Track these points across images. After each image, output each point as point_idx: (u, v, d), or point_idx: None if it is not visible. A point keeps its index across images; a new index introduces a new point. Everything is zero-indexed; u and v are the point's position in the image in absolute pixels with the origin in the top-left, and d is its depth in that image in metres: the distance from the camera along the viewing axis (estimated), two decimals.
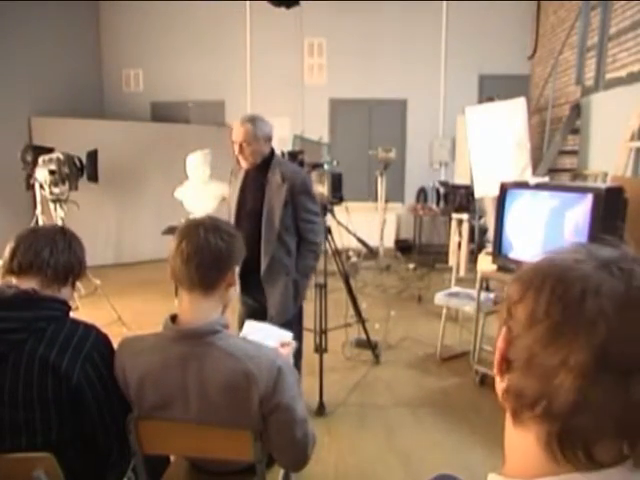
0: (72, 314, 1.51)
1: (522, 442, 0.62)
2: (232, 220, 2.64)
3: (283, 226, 2.57)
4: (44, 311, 1.40)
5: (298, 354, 2.53)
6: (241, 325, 2.77)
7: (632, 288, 0.54)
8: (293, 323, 2.60)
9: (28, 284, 1.42)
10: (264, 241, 2.56)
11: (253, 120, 2.57)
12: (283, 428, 1.37)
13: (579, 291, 0.55)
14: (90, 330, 1.44)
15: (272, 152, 2.66)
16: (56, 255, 1.46)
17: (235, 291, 1.49)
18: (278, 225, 2.55)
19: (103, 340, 1.46)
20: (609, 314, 0.53)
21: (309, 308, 3.36)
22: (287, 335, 1.84)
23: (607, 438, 0.55)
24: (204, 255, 1.33)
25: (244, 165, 2.62)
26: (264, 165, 2.60)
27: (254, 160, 2.58)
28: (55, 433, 1.36)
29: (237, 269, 1.44)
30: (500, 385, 0.64)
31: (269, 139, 2.61)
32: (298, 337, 2.56)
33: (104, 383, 1.40)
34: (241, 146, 2.55)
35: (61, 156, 4.54)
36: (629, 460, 0.57)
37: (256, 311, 2.68)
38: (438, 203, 5.39)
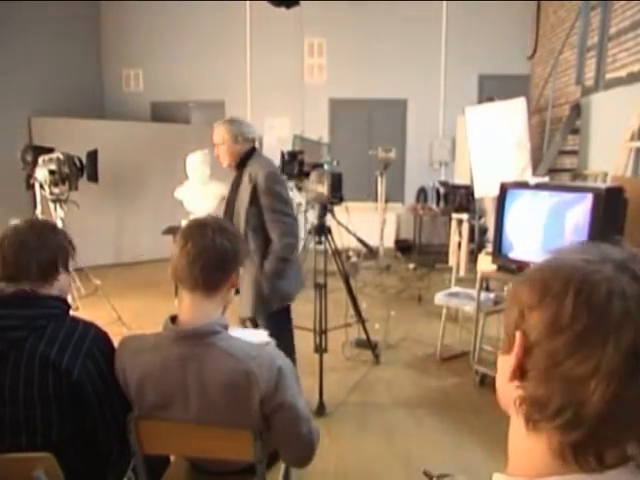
0: (73, 314, 1.51)
1: (529, 445, 0.61)
2: None
3: (249, 226, 2.59)
4: (44, 309, 1.40)
5: (289, 353, 2.56)
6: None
7: None
8: (278, 321, 2.66)
9: (24, 287, 1.42)
10: None
11: (227, 121, 2.68)
12: (288, 426, 1.38)
13: (605, 294, 0.53)
14: (90, 327, 1.45)
15: (251, 152, 2.68)
16: (34, 257, 1.42)
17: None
18: (243, 226, 2.58)
19: (103, 337, 1.46)
20: (634, 315, 0.52)
21: (309, 308, 3.36)
22: (262, 334, 1.83)
23: (624, 443, 0.54)
24: (210, 256, 1.33)
25: (223, 165, 2.72)
26: (243, 165, 2.66)
27: (229, 160, 2.66)
28: (55, 431, 1.36)
29: (241, 270, 1.44)
30: (512, 391, 0.61)
31: (246, 139, 2.66)
32: (284, 336, 2.56)
33: (105, 379, 1.41)
34: (217, 146, 2.66)
35: (61, 156, 4.53)
36: (631, 462, 0.56)
37: None
38: (438, 203, 5.39)
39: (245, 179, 2.61)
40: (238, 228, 2.58)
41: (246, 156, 2.66)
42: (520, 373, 0.60)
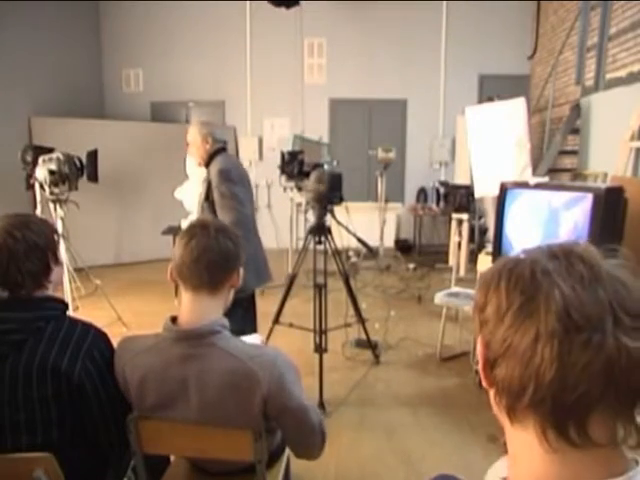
0: (73, 314, 1.50)
1: (524, 445, 0.62)
2: None
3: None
4: (42, 311, 1.39)
5: None
6: None
7: (572, 263, 0.60)
8: (237, 312, 2.70)
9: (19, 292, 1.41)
10: None
11: (199, 122, 3.03)
12: (299, 422, 1.40)
13: (529, 272, 0.61)
14: (89, 328, 1.44)
15: (218, 151, 2.95)
16: (25, 265, 1.37)
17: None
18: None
19: (102, 338, 1.46)
20: (560, 283, 0.58)
21: (309, 308, 3.36)
22: (255, 339, 1.88)
23: (599, 407, 0.56)
24: (214, 254, 1.35)
25: (195, 163, 3.02)
26: (209, 163, 2.93)
27: (198, 158, 2.96)
28: (56, 432, 1.36)
29: (241, 270, 1.45)
30: (492, 393, 0.65)
31: (215, 140, 2.94)
32: (246, 329, 2.57)
33: (104, 380, 1.40)
34: (189, 145, 2.97)
35: (61, 156, 4.53)
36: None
37: None
38: (438, 203, 5.38)
39: (206, 177, 2.92)
40: None
41: (213, 155, 2.93)
42: (490, 369, 0.64)
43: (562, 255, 0.62)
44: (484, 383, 0.66)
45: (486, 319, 0.64)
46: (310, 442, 1.47)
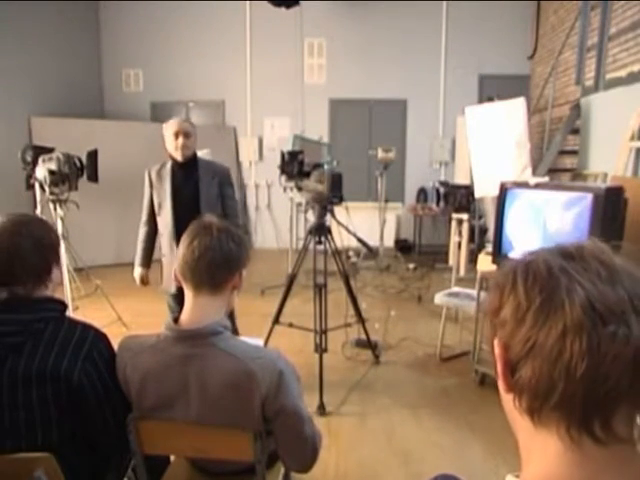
0: (72, 314, 1.50)
1: (542, 445, 0.61)
2: (168, 212, 3.05)
3: (217, 213, 2.92)
4: (41, 312, 1.38)
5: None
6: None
7: (586, 261, 0.60)
8: None
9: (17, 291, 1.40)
10: None
11: (189, 121, 3.11)
12: (292, 428, 1.38)
13: (545, 270, 0.60)
14: (88, 330, 1.43)
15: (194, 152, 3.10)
16: (29, 262, 1.37)
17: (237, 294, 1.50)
18: (214, 212, 2.85)
19: (102, 339, 1.45)
20: (579, 279, 0.58)
21: (309, 308, 3.36)
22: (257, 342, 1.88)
23: (625, 401, 0.56)
24: (215, 253, 1.35)
25: (181, 157, 2.94)
26: (191, 163, 3.01)
27: (190, 152, 2.99)
28: (56, 434, 1.36)
29: (244, 272, 1.45)
30: (509, 396, 0.63)
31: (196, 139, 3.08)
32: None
33: (104, 381, 1.40)
34: (185, 137, 2.92)
35: (61, 156, 4.53)
36: None
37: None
38: (438, 203, 5.38)
39: (207, 175, 3.01)
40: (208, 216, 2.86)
41: (194, 155, 3.05)
42: (511, 372, 0.62)
43: (575, 253, 0.61)
44: (502, 389, 0.64)
45: (503, 321, 0.62)
46: (299, 452, 1.43)
